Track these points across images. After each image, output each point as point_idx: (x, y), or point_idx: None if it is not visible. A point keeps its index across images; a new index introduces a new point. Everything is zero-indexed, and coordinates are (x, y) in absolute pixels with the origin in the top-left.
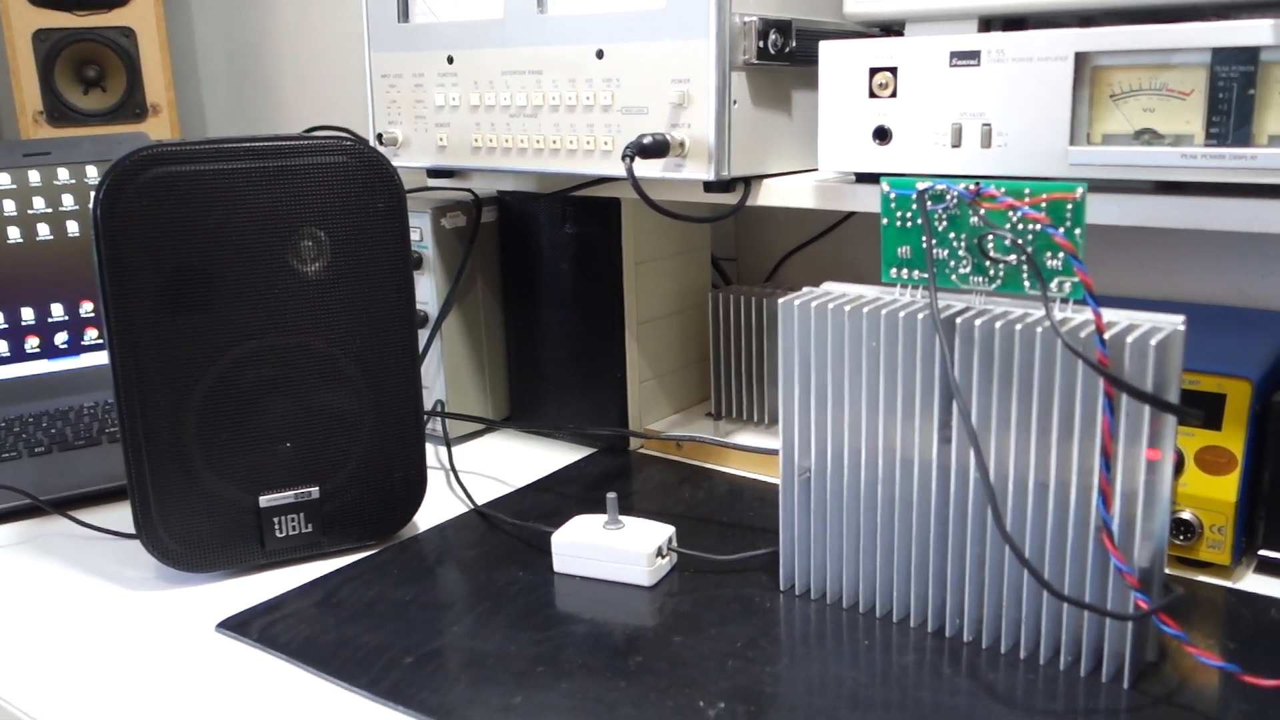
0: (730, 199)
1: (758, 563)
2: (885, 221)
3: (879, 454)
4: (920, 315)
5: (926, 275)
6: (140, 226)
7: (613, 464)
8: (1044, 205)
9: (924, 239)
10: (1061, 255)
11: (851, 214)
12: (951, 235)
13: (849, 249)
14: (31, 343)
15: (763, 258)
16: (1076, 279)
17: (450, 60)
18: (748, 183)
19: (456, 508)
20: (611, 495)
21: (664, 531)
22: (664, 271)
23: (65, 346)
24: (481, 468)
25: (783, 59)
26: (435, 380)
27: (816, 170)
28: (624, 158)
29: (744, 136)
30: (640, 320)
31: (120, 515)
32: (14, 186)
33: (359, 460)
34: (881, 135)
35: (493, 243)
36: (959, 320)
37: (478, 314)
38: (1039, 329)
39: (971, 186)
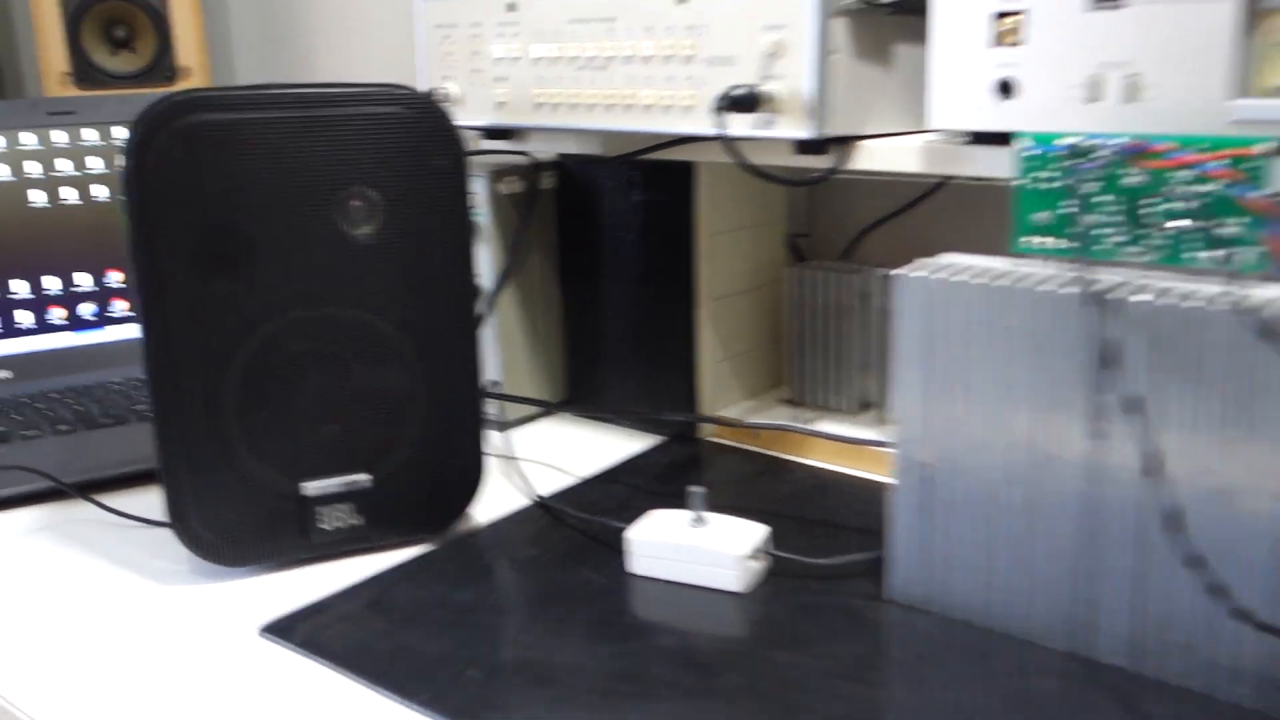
0: (823, 162)
1: (859, 568)
2: (1021, 182)
3: (1015, 450)
4: (1067, 291)
5: (1070, 245)
6: (174, 180)
7: (681, 453)
8: (1226, 162)
9: (1070, 202)
10: (1243, 221)
11: (940, 185)
12: (1101, 199)
13: (935, 224)
14: (56, 314)
15: (837, 233)
16: (1263, 248)
17: (511, 8)
18: (843, 144)
19: (515, 499)
20: (697, 489)
21: (757, 531)
22: (737, 244)
23: (93, 319)
24: (539, 455)
25: (889, 5)
26: (488, 359)
27: (917, 132)
28: (717, 111)
29: (843, 92)
30: (713, 297)
31: (150, 500)
32: (39, 147)
33: (411, 446)
34: (1005, 88)
35: (550, 211)
36: (1115, 297)
37: (534, 288)
38: (1216, 307)
39: (1132, 141)
